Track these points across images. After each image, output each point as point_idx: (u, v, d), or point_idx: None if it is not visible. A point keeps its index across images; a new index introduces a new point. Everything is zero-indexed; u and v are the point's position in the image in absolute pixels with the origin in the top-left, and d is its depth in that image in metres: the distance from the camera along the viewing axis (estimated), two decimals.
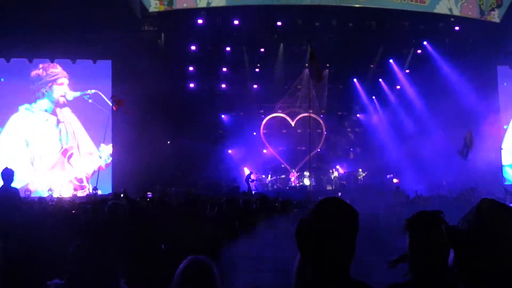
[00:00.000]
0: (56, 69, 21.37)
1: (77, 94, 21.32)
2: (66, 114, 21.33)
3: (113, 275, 2.91)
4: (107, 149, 20.85)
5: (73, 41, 19.74)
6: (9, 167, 8.76)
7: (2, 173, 8.69)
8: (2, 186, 8.60)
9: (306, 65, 18.90)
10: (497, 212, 2.11)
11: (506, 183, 22.64)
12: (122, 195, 15.19)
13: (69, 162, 21.18)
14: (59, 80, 21.35)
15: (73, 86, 21.39)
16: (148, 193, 18.03)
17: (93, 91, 21.26)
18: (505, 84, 24.23)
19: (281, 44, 23.37)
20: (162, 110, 20.65)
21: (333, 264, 2.29)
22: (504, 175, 23.48)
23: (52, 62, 21.12)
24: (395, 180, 23.24)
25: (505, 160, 23.68)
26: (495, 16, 21.59)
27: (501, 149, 23.39)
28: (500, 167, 23.18)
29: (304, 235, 2.34)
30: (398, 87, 24.42)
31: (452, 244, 2.20)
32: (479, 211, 2.13)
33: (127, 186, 17.81)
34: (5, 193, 8.41)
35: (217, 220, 7.42)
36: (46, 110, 21.28)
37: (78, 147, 21.29)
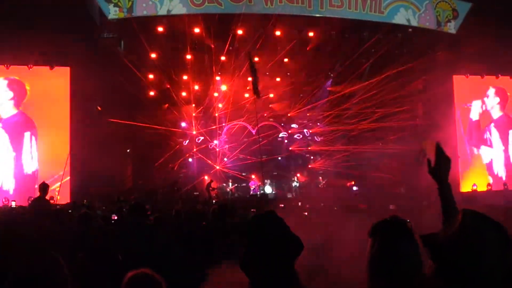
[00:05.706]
0: None
1: None
2: None
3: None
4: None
5: (30, 47, 19.35)
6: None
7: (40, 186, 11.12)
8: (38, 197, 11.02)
9: (249, 78, 18.84)
10: (479, 223, 2.14)
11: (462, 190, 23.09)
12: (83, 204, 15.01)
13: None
14: None
15: (30, 93, 20.78)
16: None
17: None
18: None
19: (242, 53, 23.31)
20: (122, 117, 20.39)
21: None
22: (461, 183, 23.87)
23: (7, 68, 20.56)
24: (354, 188, 23.42)
25: (461, 168, 24.10)
26: (451, 28, 22.21)
27: (458, 156, 23.73)
28: (456, 175, 23.53)
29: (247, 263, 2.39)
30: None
31: (432, 255, 2.18)
32: (461, 223, 2.14)
33: (86, 194, 17.57)
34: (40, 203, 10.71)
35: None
36: None
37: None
